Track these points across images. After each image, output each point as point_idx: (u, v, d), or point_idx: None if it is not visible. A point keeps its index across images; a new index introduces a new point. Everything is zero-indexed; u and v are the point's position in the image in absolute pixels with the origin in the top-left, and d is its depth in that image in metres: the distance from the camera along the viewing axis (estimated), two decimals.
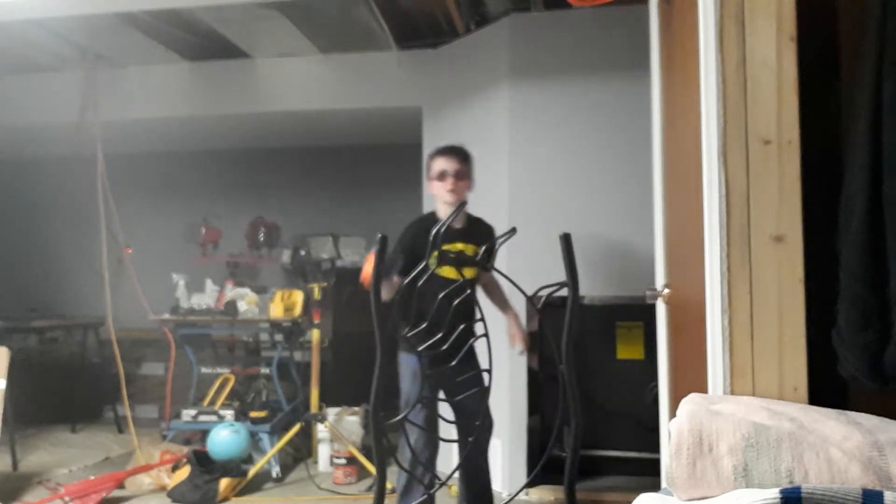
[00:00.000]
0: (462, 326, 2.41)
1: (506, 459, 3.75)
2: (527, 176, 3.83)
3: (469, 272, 2.78)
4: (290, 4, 3.80)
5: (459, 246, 2.88)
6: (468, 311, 2.62)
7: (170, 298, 4.68)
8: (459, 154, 2.97)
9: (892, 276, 1.26)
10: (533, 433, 3.76)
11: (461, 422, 2.76)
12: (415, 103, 4.49)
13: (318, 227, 5.55)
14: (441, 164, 2.92)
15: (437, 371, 2.54)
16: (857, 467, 1.06)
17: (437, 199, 2.95)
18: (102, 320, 4.70)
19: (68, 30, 4.20)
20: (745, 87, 1.40)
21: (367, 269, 2.62)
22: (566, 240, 2.02)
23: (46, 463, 4.36)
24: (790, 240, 1.37)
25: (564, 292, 2.00)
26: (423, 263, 2.44)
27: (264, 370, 4.61)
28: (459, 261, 2.80)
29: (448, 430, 2.28)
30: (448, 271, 2.73)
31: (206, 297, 4.70)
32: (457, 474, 2.92)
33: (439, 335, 2.22)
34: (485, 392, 2.56)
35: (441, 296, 2.54)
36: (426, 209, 4.40)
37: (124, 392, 4.26)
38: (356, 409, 4.28)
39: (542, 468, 2.18)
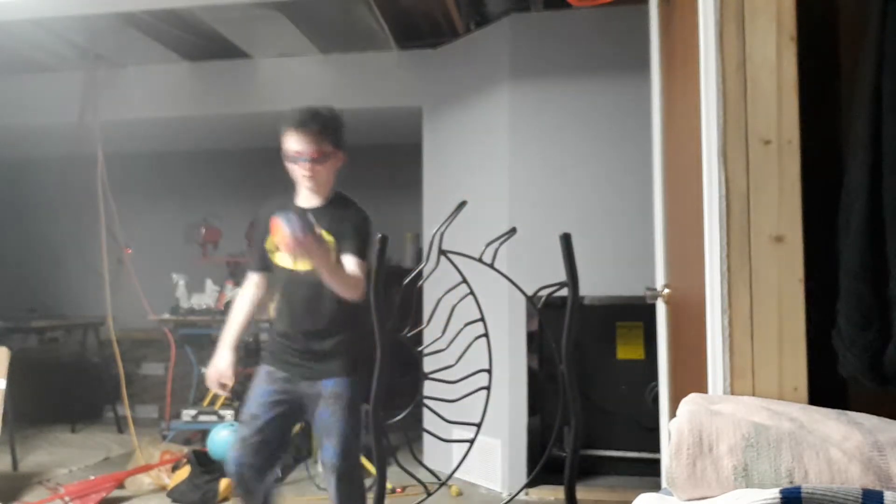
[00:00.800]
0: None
1: (506, 459, 3.75)
2: (527, 176, 3.83)
3: (305, 262, 2.24)
4: (290, 4, 3.80)
5: None
6: (325, 311, 2.30)
7: (170, 298, 4.69)
8: (316, 127, 2.33)
9: (892, 276, 1.26)
10: (533, 433, 3.76)
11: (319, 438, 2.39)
12: (415, 103, 4.49)
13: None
14: (293, 143, 2.32)
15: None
16: (857, 467, 1.06)
17: (297, 182, 2.42)
18: (102, 320, 4.71)
19: (68, 30, 4.20)
20: (745, 87, 1.40)
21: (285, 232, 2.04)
22: (566, 240, 2.02)
23: (46, 463, 4.36)
24: (790, 240, 1.37)
25: (564, 292, 2.00)
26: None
27: None
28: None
29: (448, 430, 2.27)
30: (287, 260, 2.33)
31: (206, 297, 4.70)
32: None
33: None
34: (337, 429, 2.27)
35: (284, 291, 2.32)
36: (426, 209, 4.42)
37: (124, 392, 4.26)
38: None
39: (542, 468, 2.18)
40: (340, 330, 2.34)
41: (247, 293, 2.52)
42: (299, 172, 2.36)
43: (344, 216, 2.36)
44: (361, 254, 2.31)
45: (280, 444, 2.41)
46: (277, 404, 2.37)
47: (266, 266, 2.47)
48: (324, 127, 2.35)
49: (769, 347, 1.36)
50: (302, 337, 2.35)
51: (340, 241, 2.30)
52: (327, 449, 2.30)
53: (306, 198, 2.42)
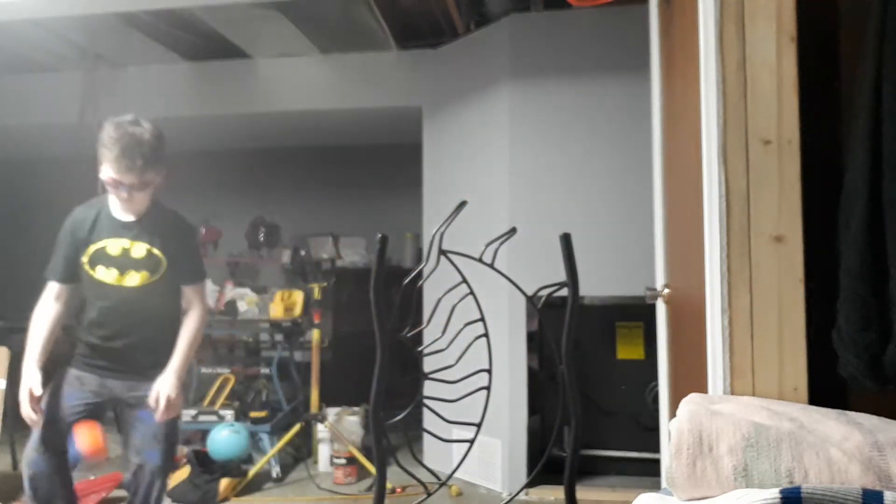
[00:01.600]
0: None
1: (506, 459, 3.75)
2: (527, 176, 3.83)
3: (133, 278, 2.30)
4: (290, 4, 3.80)
5: (125, 244, 2.29)
6: (148, 322, 2.33)
7: None
8: (141, 162, 2.18)
9: (892, 276, 1.26)
10: (533, 433, 3.76)
11: (129, 456, 2.39)
12: (415, 103, 4.49)
13: (318, 227, 5.55)
14: (113, 172, 2.20)
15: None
16: (857, 467, 1.06)
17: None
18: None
19: (68, 30, 4.20)
20: (745, 87, 1.40)
21: None
22: (566, 240, 2.02)
23: None
24: (790, 240, 1.37)
25: (564, 292, 2.00)
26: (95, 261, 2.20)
27: (264, 370, 4.61)
28: (122, 262, 2.29)
29: (448, 430, 2.27)
30: (108, 275, 2.29)
31: (206, 298, 4.70)
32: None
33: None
34: (162, 432, 2.31)
35: (103, 306, 2.28)
36: (426, 209, 4.42)
37: None
38: (356, 409, 4.29)
39: (542, 468, 2.18)
40: (161, 338, 2.34)
41: (48, 309, 2.36)
42: (118, 196, 2.25)
43: (168, 231, 2.34)
44: (198, 275, 2.43)
45: None
46: (86, 409, 2.35)
47: (73, 277, 2.35)
48: (148, 159, 2.20)
49: (769, 347, 1.36)
50: (123, 346, 2.32)
51: (173, 262, 2.32)
52: (153, 452, 2.33)
53: (122, 212, 2.32)
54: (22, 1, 3.18)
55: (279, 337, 4.77)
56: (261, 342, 5.18)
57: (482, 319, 2.11)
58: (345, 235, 5.48)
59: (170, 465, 2.47)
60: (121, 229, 2.30)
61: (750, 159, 1.39)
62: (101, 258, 2.29)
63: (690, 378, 1.69)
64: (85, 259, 2.30)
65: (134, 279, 2.29)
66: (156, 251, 2.30)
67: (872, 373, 1.29)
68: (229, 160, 6.08)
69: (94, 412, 2.38)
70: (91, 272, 2.30)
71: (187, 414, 4.27)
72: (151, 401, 2.26)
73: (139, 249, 2.29)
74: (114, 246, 2.29)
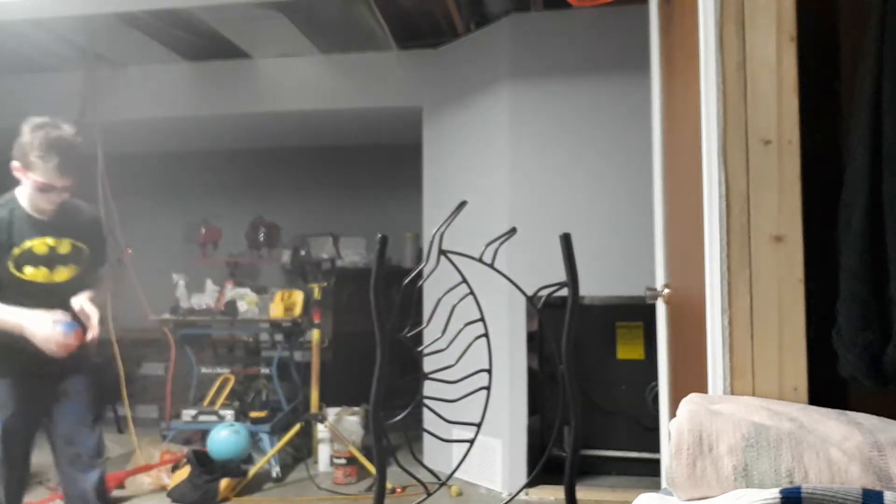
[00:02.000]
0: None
1: (506, 459, 3.75)
2: (527, 176, 3.83)
3: (62, 273, 2.37)
4: (290, 4, 3.80)
5: (50, 241, 2.34)
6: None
7: (170, 298, 4.68)
8: (74, 162, 2.28)
9: (893, 276, 1.26)
10: (533, 433, 3.76)
11: (59, 448, 2.44)
12: (415, 103, 4.49)
13: (318, 227, 5.55)
14: (43, 175, 2.23)
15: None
16: (857, 467, 1.06)
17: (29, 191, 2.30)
18: (102, 320, 4.70)
19: (68, 30, 4.19)
20: (745, 87, 1.40)
21: None
22: (566, 240, 2.02)
23: (46, 463, 4.35)
24: (790, 240, 1.37)
25: (564, 292, 2.00)
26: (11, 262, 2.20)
27: (264, 370, 4.61)
28: (51, 260, 2.33)
29: (448, 430, 2.27)
30: (37, 274, 2.31)
31: (206, 297, 4.70)
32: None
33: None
34: (91, 419, 2.40)
35: (31, 303, 2.21)
36: (426, 209, 4.42)
37: (124, 392, 4.26)
38: (356, 409, 4.29)
39: (542, 468, 2.18)
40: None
41: None
42: (42, 199, 2.27)
43: (82, 221, 2.45)
44: (105, 257, 2.60)
45: (28, 457, 2.45)
46: (27, 416, 2.35)
47: None
48: (79, 161, 2.31)
49: (769, 347, 1.36)
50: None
51: (91, 251, 2.44)
52: (87, 440, 2.42)
53: (36, 211, 2.33)
54: (22, 1, 3.18)
55: (279, 337, 4.78)
56: (261, 342, 5.19)
57: (482, 319, 2.11)
58: (345, 235, 5.48)
59: (104, 449, 2.51)
60: (43, 228, 2.34)
61: (750, 159, 1.39)
62: (28, 259, 2.31)
63: (690, 378, 1.69)
64: (10, 262, 2.29)
65: (63, 273, 2.37)
66: (79, 244, 2.40)
67: (872, 373, 1.29)
68: (229, 160, 6.08)
69: (33, 419, 2.39)
70: (19, 274, 2.30)
71: (187, 414, 4.27)
72: (76, 304, 2.28)
73: (65, 245, 2.37)
74: (40, 245, 2.33)
